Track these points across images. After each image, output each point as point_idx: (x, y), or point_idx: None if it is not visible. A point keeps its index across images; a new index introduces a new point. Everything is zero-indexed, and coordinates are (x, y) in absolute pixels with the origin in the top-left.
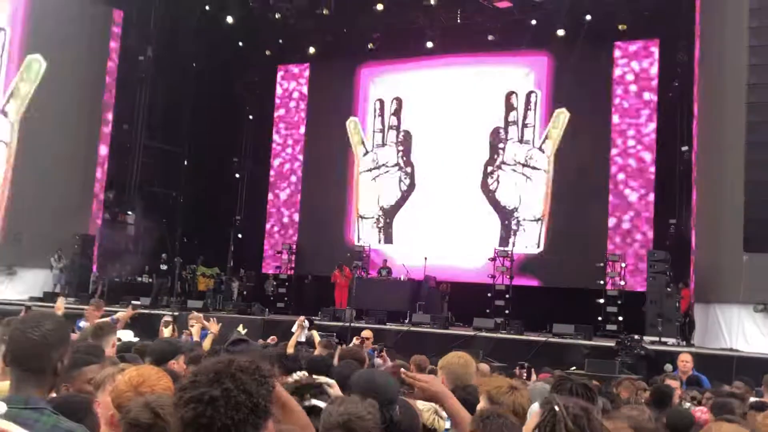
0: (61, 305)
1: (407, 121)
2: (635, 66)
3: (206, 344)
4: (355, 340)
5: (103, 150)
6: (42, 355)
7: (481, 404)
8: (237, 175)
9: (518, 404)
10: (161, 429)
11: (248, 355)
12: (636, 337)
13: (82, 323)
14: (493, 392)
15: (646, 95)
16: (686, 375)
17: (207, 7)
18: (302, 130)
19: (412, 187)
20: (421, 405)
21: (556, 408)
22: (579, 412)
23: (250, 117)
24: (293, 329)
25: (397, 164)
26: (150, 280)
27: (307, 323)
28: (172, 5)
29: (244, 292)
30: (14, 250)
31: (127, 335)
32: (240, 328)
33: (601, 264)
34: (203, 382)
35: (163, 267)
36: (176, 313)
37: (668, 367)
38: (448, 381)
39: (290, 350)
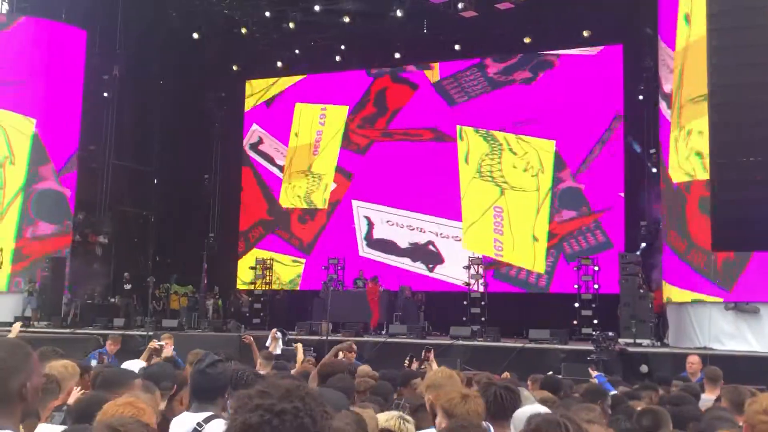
0: (16, 329)
1: None
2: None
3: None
4: (346, 353)
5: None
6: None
7: (439, 419)
8: (207, 193)
9: (473, 412)
10: None
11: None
12: (611, 334)
13: None
14: (446, 405)
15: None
16: (695, 377)
17: (173, 24)
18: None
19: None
20: (384, 416)
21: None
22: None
23: (216, 124)
24: (267, 343)
25: None
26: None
27: (279, 335)
28: (137, 23)
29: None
30: None
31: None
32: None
33: (575, 267)
34: (274, 395)
35: (127, 287)
36: (150, 333)
37: (644, 368)
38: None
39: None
